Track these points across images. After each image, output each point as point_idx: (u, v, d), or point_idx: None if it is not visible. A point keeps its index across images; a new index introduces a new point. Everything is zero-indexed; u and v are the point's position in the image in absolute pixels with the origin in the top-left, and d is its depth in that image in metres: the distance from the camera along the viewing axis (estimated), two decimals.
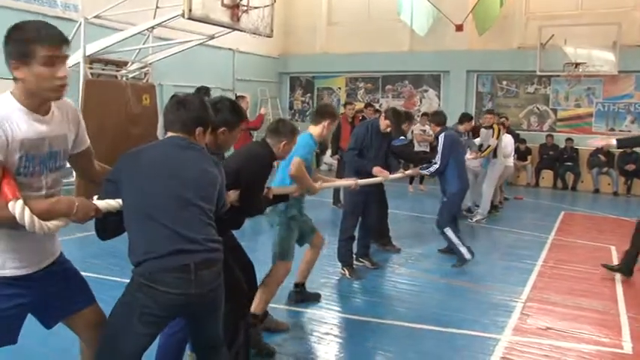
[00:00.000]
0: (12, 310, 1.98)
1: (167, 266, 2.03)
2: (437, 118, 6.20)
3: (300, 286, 4.46)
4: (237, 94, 7.94)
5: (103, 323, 2.24)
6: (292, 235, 3.96)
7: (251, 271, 3.38)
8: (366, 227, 5.56)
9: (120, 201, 2.11)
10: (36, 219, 1.82)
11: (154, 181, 2.11)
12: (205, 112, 2.31)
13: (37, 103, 1.90)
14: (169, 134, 2.28)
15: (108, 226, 2.19)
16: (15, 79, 1.87)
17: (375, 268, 5.54)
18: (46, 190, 1.99)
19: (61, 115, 2.01)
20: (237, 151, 3.42)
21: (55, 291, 2.12)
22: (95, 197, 2.13)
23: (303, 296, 4.47)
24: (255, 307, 3.56)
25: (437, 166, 5.83)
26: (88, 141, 2.20)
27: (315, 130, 4.22)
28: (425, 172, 6.04)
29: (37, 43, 1.81)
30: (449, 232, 5.72)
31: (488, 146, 8.02)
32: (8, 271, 1.95)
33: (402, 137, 6.55)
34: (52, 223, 1.89)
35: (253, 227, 6.65)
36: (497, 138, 8.01)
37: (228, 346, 2.80)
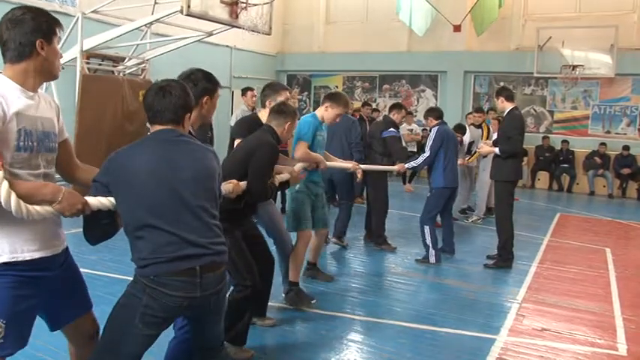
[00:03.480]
0: (27, 311, 1.96)
1: (173, 270, 1.99)
2: (432, 113, 6.16)
3: (310, 264, 5.02)
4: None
5: (97, 335, 2.24)
6: (301, 206, 4.28)
7: (270, 266, 3.62)
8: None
9: (112, 200, 2.02)
10: (13, 195, 1.74)
11: (152, 186, 2.01)
12: (190, 96, 2.23)
13: (38, 83, 1.99)
14: (156, 128, 2.15)
15: (97, 228, 2.10)
16: (19, 60, 1.91)
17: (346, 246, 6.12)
18: (43, 170, 1.99)
19: (45, 103, 2.05)
20: (246, 140, 3.45)
21: (63, 288, 2.11)
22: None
23: (313, 273, 5.00)
24: (290, 276, 4.24)
25: (426, 155, 5.79)
26: (67, 134, 2.21)
27: (318, 111, 4.55)
28: (412, 164, 5.98)
29: (55, 23, 1.99)
30: (426, 230, 5.72)
31: (477, 150, 7.97)
32: (27, 255, 1.92)
33: (392, 129, 6.19)
34: (32, 207, 1.80)
35: None
36: (487, 139, 7.98)
37: (228, 328, 2.89)
